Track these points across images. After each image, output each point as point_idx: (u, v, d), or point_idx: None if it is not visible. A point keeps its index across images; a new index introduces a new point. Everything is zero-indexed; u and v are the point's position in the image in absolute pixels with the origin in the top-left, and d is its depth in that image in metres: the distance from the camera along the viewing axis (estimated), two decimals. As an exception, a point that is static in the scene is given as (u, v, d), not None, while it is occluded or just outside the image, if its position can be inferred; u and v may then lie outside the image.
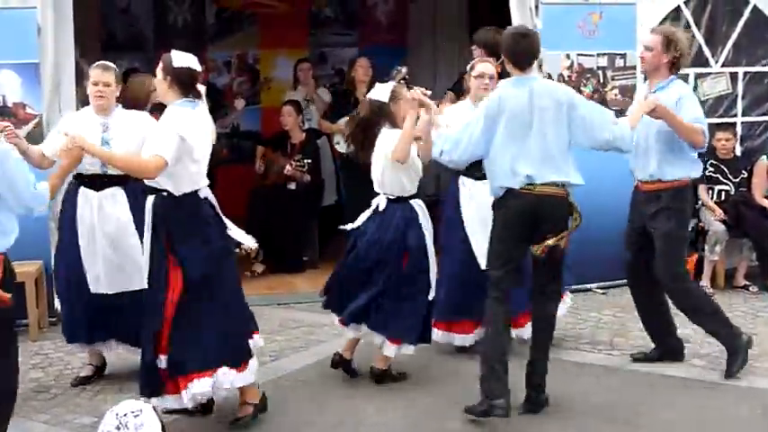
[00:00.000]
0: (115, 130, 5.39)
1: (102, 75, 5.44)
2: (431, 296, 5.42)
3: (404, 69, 6.65)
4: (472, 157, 5.03)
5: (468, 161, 5.13)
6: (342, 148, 8.27)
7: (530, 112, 4.81)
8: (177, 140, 4.49)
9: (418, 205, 5.40)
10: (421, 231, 5.35)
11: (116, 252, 5.41)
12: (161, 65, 4.72)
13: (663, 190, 5.48)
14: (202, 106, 4.80)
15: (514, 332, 5.53)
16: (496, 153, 4.88)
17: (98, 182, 5.42)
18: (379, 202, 5.41)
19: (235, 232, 4.86)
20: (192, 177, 4.65)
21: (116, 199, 5.44)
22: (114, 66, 5.61)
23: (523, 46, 4.90)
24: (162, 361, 4.61)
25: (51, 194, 4.47)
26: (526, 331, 5.46)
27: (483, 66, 5.91)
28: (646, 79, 7.35)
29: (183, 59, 4.70)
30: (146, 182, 4.70)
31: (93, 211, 5.41)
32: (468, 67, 6.05)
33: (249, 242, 4.96)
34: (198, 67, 4.77)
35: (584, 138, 4.91)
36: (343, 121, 8.12)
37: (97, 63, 5.58)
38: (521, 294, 5.13)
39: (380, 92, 5.41)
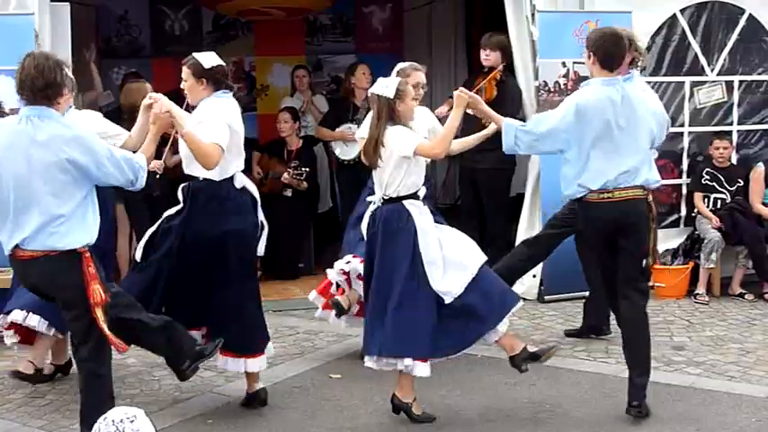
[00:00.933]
0: None
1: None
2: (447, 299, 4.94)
3: None
4: None
5: None
6: (341, 154, 8.28)
7: None
8: (228, 129, 4.72)
9: (411, 204, 5.01)
10: (407, 236, 4.96)
11: None
12: (189, 70, 4.88)
13: None
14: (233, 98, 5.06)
15: None
16: None
17: None
18: (374, 203, 5.17)
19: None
20: (233, 162, 4.94)
21: None
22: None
23: (623, 48, 4.91)
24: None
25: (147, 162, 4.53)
26: None
27: (418, 74, 5.80)
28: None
29: (211, 59, 4.89)
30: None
31: None
32: (398, 72, 5.76)
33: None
34: (223, 63, 4.99)
35: None
36: (343, 127, 8.16)
37: None
38: None
39: (386, 87, 5.02)
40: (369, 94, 5.17)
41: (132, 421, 2.91)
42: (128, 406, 3.45)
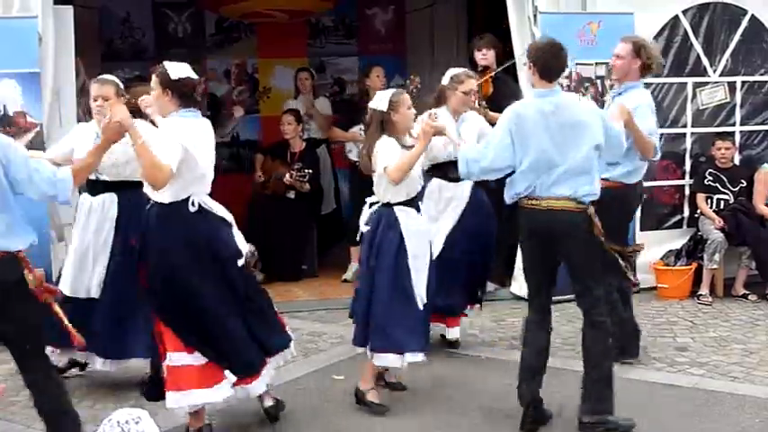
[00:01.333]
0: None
1: (101, 89, 5.45)
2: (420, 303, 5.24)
3: (417, 79, 6.74)
4: None
5: None
6: (353, 156, 8.33)
7: None
8: (181, 151, 4.41)
9: (401, 210, 5.23)
10: (393, 238, 5.20)
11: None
12: (156, 79, 4.58)
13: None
14: (203, 118, 4.74)
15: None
16: None
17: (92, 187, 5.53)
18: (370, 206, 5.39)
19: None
20: (187, 187, 4.55)
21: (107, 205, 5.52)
22: (113, 78, 5.59)
23: (563, 59, 4.85)
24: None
25: (79, 179, 4.42)
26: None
27: (471, 82, 6.00)
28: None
29: (179, 70, 4.58)
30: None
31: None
32: (450, 78, 6.03)
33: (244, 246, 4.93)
34: (195, 76, 4.68)
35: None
36: (356, 129, 8.20)
37: (97, 78, 5.58)
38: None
39: (380, 100, 5.32)
40: (368, 107, 5.37)
41: (137, 422, 2.92)
42: (132, 408, 3.46)
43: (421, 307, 5.21)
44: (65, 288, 5.41)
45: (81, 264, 5.53)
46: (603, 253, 4.85)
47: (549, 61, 4.79)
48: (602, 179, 5.24)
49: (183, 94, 4.55)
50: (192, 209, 4.56)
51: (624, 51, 5.71)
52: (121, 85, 5.58)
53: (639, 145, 5.56)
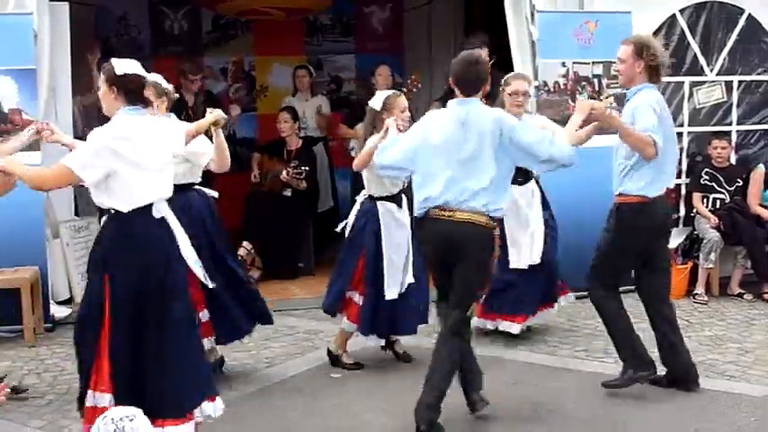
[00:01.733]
0: None
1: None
2: (388, 295, 5.65)
3: (416, 78, 6.81)
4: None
5: None
6: (355, 153, 8.34)
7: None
8: (100, 151, 4.12)
9: (381, 204, 5.71)
10: (376, 230, 5.68)
11: None
12: (103, 76, 4.38)
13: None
14: (155, 115, 4.60)
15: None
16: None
17: None
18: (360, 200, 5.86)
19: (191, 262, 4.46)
20: (139, 192, 4.24)
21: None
22: (153, 78, 5.33)
23: (477, 71, 4.84)
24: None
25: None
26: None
27: (517, 83, 6.05)
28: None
29: (126, 66, 4.38)
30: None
31: None
32: (503, 81, 6.15)
33: (206, 281, 4.67)
34: (143, 73, 4.42)
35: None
36: (360, 126, 8.23)
37: None
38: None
39: (376, 100, 5.60)
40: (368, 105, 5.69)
41: (132, 420, 2.93)
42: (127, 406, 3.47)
43: (389, 297, 5.63)
44: None
45: None
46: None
47: (460, 75, 4.83)
48: (618, 194, 5.27)
49: (128, 90, 4.32)
50: (155, 214, 4.28)
51: (625, 54, 5.30)
52: (164, 84, 5.46)
53: (628, 142, 5.15)
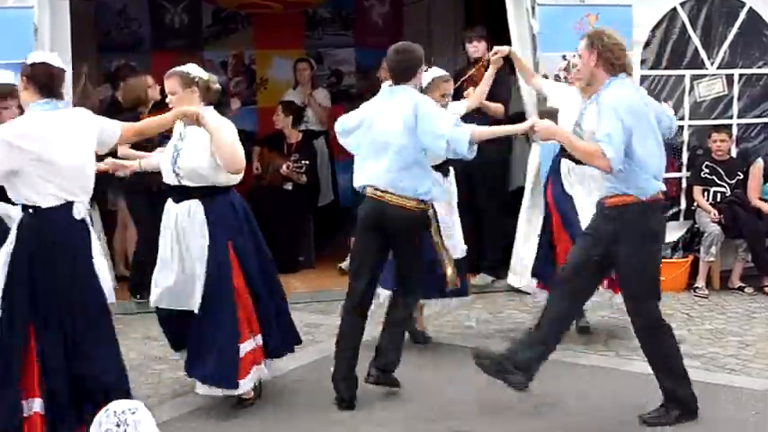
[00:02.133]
0: None
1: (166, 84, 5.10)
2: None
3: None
4: None
5: None
6: None
7: None
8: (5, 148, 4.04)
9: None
10: None
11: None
12: (21, 71, 4.26)
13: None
14: (70, 109, 4.50)
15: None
16: None
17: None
18: None
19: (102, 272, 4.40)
20: (52, 190, 4.14)
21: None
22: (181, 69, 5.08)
23: (398, 60, 5.16)
24: None
25: None
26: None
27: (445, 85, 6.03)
28: (642, 82, 7.47)
29: (39, 56, 4.26)
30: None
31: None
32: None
33: (110, 297, 4.49)
34: (59, 64, 4.27)
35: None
36: None
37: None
38: None
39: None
40: None
41: (134, 413, 2.92)
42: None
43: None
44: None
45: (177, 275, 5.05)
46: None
47: (388, 63, 5.21)
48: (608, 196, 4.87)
49: (39, 83, 4.18)
50: (76, 215, 4.22)
51: (580, 49, 4.84)
52: (198, 73, 4.99)
53: (576, 155, 4.92)
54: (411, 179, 5.06)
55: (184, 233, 4.95)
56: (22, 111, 4.61)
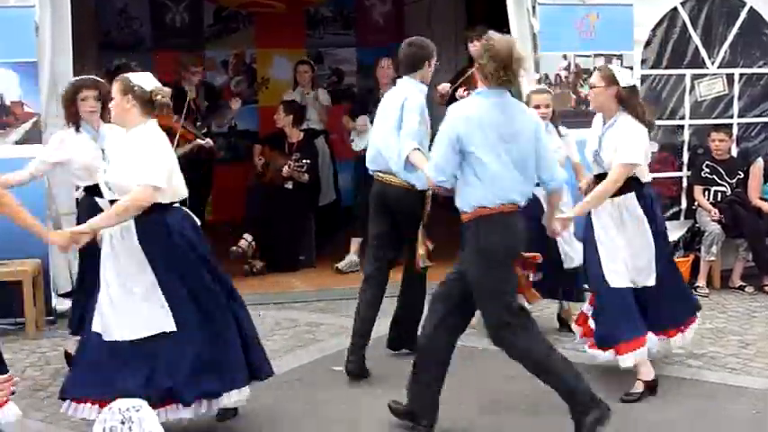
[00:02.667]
0: None
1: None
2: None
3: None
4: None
5: None
6: (355, 146, 8.37)
7: None
8: None
9: None
10: None
11: None
12: None
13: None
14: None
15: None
16: None
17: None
18: None
19: None
20: None
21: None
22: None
23: (406, 53, 5.52)
24: None
25: None
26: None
27: (537, 97, 6.12)
28: (643, 82, 7.48)
29: None
30: None
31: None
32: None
33: None
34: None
35: None
36: (361, 119, 8.26)
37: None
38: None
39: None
40: None
41: (138, 410, 2.95)
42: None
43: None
44: None
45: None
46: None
47: (400, 56, 5.53)
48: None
49: None
50: None
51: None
52: (135, 81, 4.60)
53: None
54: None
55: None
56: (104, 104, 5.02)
